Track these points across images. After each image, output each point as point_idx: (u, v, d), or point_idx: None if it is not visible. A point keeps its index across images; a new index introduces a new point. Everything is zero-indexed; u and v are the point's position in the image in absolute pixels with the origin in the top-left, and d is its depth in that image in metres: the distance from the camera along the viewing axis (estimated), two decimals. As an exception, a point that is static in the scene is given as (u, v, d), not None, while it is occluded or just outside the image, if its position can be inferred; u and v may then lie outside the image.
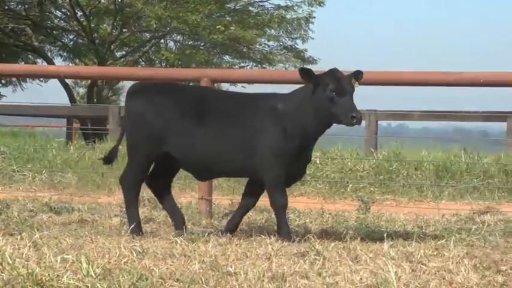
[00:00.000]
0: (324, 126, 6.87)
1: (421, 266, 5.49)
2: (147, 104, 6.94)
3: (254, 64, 33.43)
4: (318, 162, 12.44)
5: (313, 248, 6.02)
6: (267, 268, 5.39)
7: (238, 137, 6.80)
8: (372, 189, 10.81)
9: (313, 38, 33.09)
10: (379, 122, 17.11)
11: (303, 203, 9.36)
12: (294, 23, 32.78)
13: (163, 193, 7.11)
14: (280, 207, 6.77)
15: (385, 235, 6.80)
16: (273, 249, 6.08)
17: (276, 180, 6.76)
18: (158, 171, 7.07)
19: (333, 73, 6.78)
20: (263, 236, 6.87)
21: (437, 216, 8.31)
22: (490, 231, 7.42)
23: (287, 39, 33.45)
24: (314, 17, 32.92)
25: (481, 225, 7.77)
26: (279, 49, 33.58)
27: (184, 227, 6.93)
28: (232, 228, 6.99)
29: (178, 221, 7.01)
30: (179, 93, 7.06)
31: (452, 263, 5.58)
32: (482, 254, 5.95)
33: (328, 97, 6.68)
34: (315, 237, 6.69)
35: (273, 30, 32.95)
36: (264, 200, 7.02)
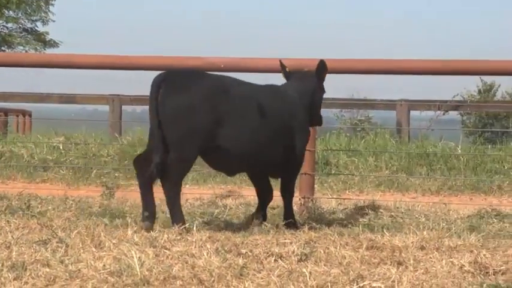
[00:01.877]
0: None
1: (165, 250, 5.53)
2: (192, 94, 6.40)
3: (-7, 47, 32.35)
4: (61, 147, 12.22)
5: (55, 236, 5.90)
6: (7, 257, 5.23)
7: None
8: (116, 174, 10.76)
9: (54, 21, 32.54)
10: (123, 107, 17.08)
11: (45, 189, 9.13)
12: (33, 5, 32.05)
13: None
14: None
15: (129, 221, 6.79)
16: (13, 238, 5.91)
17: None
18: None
19: None
20: (3, 224, 6.65)
21: (182, 200, 8.38)
22: (232, 215, 7.61)
23: (27, 21, 32.67)
24: (54, -1, 32.36)
25: (223, 208, 7.94)
26: (18, 31, 32.71)
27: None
28: None
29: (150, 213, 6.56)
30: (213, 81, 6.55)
31: (195, 247, 5.66)
32: (224, 238, 6.08)
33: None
34: (58, 224, 6.56)
35: (11, 12, 32.05)
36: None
